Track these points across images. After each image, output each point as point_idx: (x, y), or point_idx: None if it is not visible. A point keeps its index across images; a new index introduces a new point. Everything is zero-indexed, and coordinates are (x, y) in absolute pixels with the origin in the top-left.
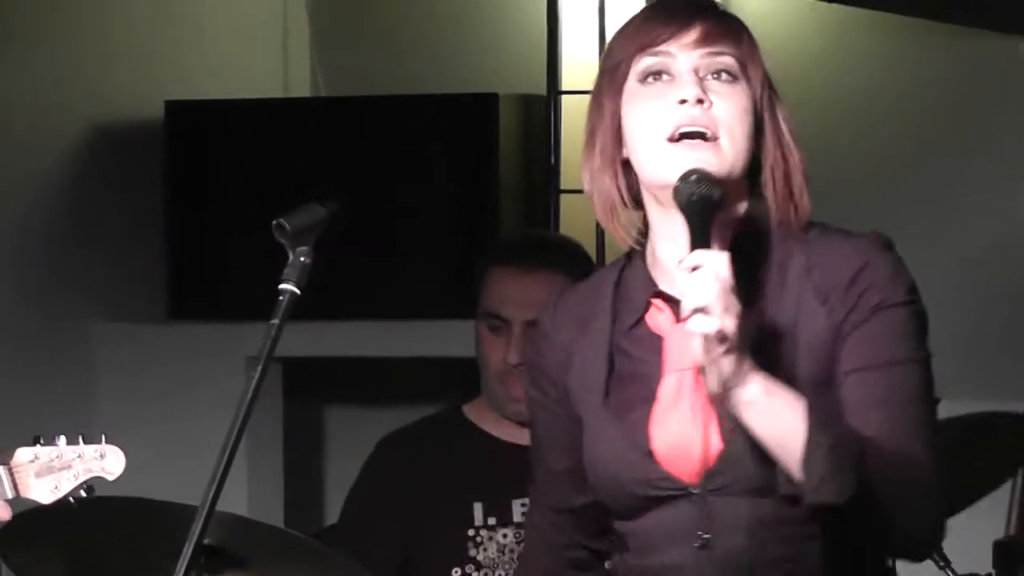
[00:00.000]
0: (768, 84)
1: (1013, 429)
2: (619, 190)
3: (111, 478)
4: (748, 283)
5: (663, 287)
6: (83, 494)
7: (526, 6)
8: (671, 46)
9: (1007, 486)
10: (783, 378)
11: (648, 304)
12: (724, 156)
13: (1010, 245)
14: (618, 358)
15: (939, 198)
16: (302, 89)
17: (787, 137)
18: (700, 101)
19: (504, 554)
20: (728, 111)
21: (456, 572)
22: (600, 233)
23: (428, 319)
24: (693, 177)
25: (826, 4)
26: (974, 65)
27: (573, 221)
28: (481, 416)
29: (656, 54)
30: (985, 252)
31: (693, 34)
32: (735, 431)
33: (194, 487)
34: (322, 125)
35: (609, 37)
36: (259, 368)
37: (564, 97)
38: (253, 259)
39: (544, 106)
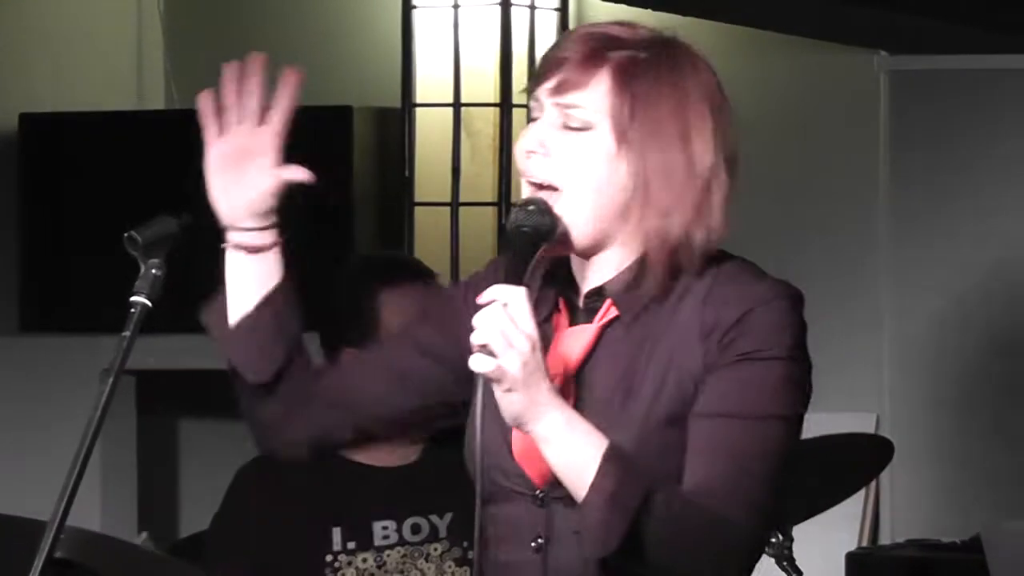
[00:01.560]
0: (637, 127)
1: (867, 444)
2: None
3: None
4: (644, 306)
5: (585, 288)
6: None
7: (380, 19)
8: (538, 91)
9: (859, 497)
10: (641, 409)
11: (553, 306)
12: (569, 205)
13: (862, 256)
14: None
15: (792, 211)
16: (156, 100)
17: (651, 184)
18: (535, 152)
19: None
20: (568, 162)
21: None
22: (455, 246)
23: None
24: (530, 207)
25: (678, 16)
26: (829, 79)
27: (428, 234)
28: None
29: (532, 97)
30: (835, 264)
31: (551, 82)
32: None
33: (47, 501)
34: (176, 136)
35: (463, 50)
36: (110, 380)
37: (419, 110)
38: (106, 271)
39: (399, 119)
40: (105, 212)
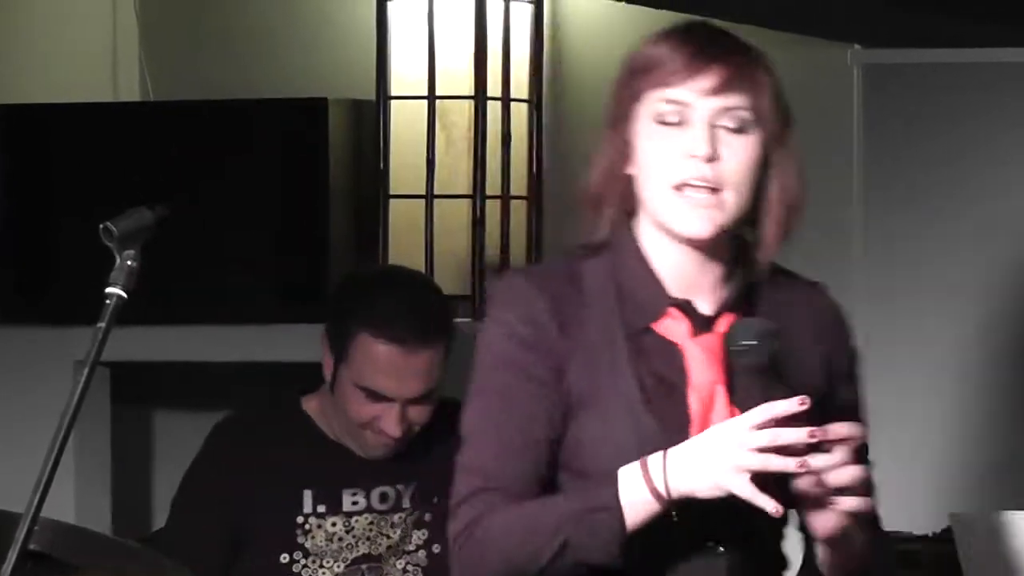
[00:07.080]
0: (781, 121)
1: None
2: (611, 195)
3: None
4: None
5: (675, 294)
6: None
7: (355, 11)
8: (687, 91)
9: None
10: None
11: (662, 311)
12: (728, 209)
13: (836, 250)
14: (637, 361)
15: None
16: (131, 93)
17: (791, 180)
18: (711, 159)
19: (332, 543)
20: (737, 166)
21: (284, 558)
22: (429, 238)
23: (257, 323)
24: (754, 340)
25: (652, 9)
26: (802, 72)
27: (402, 226)
28: (319, 412)
29: (672, 101)
30: (808, 257)
31: (711, 80)
32: None
33: (21, 493)
34: (151, 129)
35: (438, 43)
36: (85, 372)
37: (394, 102)
38: (81, 263)
39: (374, 111)
40: (80, 204)
